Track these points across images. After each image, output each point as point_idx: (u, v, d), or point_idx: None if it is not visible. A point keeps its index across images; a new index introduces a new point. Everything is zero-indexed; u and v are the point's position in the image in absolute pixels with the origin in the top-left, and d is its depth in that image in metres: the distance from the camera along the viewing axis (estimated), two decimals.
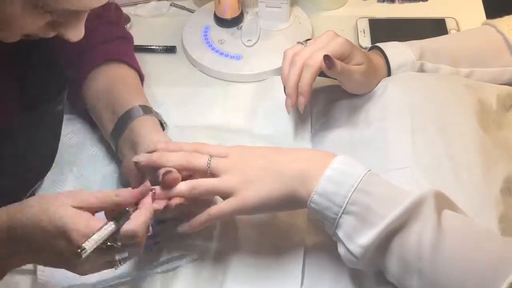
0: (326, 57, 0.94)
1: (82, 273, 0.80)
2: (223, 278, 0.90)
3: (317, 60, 0.95)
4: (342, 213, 0.80)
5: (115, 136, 0.98)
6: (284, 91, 1.00)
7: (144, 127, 0.95)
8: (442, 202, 0.79)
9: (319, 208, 0.81)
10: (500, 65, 1.05)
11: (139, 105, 0.98)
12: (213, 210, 0.85)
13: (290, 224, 0.83)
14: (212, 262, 0.92)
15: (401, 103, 0.98)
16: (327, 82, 1.09)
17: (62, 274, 0.87)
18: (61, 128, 0.99)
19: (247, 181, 0.83)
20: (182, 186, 0.85)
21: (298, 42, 1.01)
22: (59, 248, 0.76)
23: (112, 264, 0.80)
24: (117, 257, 0.79)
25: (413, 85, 1.00)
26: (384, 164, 0.93)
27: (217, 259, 0.92)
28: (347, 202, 0.79)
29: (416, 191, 0.79)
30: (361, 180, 0.79)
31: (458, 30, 1.24)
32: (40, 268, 0.90)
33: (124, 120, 0.97)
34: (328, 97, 1.05)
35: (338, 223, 0.81)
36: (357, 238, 0.79)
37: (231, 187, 0.84)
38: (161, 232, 0.92)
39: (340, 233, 0.81)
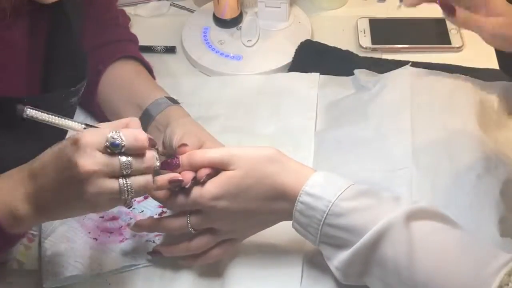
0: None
1: (94, 205, 0.76)
2: (223, 278, 0.90)
3: None
4: (319, 242, 0.82)
5: (143, 122, 0.98)
6: None
7: (175, 113, 0.98)
8: (421, 219, 0.78)
9: (301, 234, 0.84)
10: None
11: (165, 97, 1.01)
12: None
13: (290, 223, 0.84)
14: (212, 262, 0.92)
15: (401, 103, 0.98)
16: (332, 83, 1.10)
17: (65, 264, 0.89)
18: None
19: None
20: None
21: None
22: (66, 163, 0.73)
23: (119, 197, 0.76)
24: (121, 181, 0.75)
25: (414, 85, 1.00)
26: (384, 164, 0.93)
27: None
28: (319, 234, 0.81)
29: (387, 216, 0.77)
30: (327, 214, 0.79)
31: (459, 30, 1.24)
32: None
33: (155, 107, 0.99)
34: (333, 97, 1.04)
35: (320, 247, 0.83)
36: (334, 261, 0.82)
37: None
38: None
39: (324, 254, 0.84)
